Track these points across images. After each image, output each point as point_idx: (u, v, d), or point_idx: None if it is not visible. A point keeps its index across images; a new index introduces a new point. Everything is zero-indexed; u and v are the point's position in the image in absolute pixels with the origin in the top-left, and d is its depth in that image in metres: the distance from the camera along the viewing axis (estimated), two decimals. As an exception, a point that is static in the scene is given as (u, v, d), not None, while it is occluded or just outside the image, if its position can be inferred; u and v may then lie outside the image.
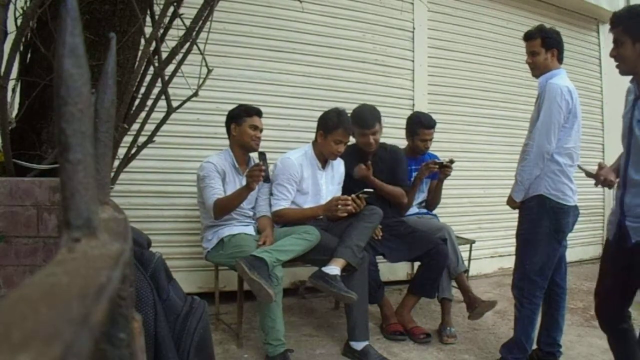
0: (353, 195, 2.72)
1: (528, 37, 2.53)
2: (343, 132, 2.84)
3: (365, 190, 2.74)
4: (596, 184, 2.12)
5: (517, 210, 2.56)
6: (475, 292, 3.15)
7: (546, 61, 2.48)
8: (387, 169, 3.10)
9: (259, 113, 2.82)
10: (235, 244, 2.64)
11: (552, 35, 2.49)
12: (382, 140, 3.08)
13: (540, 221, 2.41)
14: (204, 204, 2.73)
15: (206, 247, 2.81)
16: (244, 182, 2.76)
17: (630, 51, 1.93)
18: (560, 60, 2.51)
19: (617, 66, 2.02)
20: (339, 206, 2.69)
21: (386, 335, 2.95)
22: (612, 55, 2.02)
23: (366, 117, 2.96)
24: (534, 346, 2.62)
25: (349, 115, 2.93)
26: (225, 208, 2.66)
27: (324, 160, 2.99)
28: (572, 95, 2.37)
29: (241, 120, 2.77)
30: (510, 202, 2.51)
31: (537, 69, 2.50)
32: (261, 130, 2.81)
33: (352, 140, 3.06)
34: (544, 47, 2.47)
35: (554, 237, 2.43)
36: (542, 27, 2.54)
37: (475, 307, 3.01)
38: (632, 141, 2.00)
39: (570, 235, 2.56)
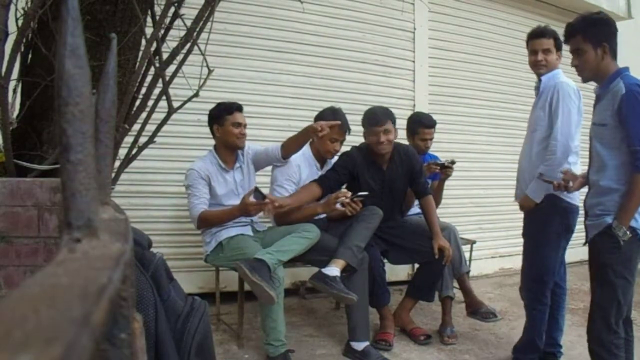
0: (348, 199, 2.63)
1: (542, 34, 2.49)
2: (338, 129, 2.82)
3: (361, 193, 2.68)
4: (554, 187, 2.22)
5: (518, 210, 2.56)
6: (476, 293, 3.15)
7: (555, 61, 2.49)
8: (405, 176, 2.93)
9: (239, 108, 2.75)
10: (235, 247, 2.64)
11: (560, 38, 2.50)
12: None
13: (552, 221, 2.39)
14: (189, 212, 2.73)
15: (205, 250, 2.81)
16: (228, 178, 2.76)
17: (593, 58, 2.00)
18: (560, 57, 2.54)
19: (580, 74, 2.09)
20: (338, 201, 2.65)
21: (373, 342, 2.77)
22: (573, 65, 2.08)
23: (376, 113, 2.80)
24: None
25: (344, 113, 2.92)
26: (211, 222, 2.67)
27: (322, 159, 2.99)
28: (579, 94, 2.41)
29: (222, 120, 2.72)
30: (527, 202, 2.43)
31: (546, 67, 2.49)
32: (245, 126, 2.76)
33: (355, 141, 3.05)
34: (555, 47, 2.48)
35: (564, 237, 2.43)
36: (551, 28, 2.54)
37: (477, 314, 3.00)
38: (592, 144, 2.09)
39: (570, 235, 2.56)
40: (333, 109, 2.91)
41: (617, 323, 1.98)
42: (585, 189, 2.21)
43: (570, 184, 2.17)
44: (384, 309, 2.91)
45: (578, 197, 2.42)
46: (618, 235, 1.92)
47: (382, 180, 2.89)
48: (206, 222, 2.68)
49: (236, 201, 2.76)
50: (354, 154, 2.88)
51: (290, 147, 2.74)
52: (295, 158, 2.87)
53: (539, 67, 2.51)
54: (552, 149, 2.36)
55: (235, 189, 2.79)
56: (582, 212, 2.22)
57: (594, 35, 2.00)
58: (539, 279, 2.44)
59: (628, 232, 1.92)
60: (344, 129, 2.86)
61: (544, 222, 2.41)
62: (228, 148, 2.78)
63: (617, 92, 1.93)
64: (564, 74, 2.49)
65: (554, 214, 2.39)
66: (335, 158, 2.99)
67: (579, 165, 2.43)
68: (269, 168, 2.98)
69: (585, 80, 2.12)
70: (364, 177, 2.86)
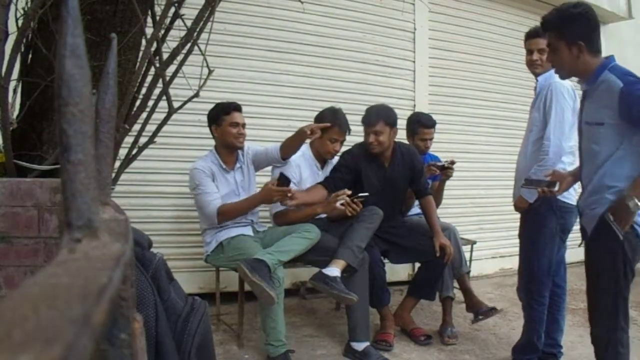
0: (348, 199, 2.64)
1: (537, 34, 2.47)
2: (338, 130, 2.82)
3: (361, 194, 2.69)
4: (539, 194, 2.19)
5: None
6: (476, 293, 3.15)
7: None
8: (406, 174, 2.94)
9: (237, 108, 2.74)
10: (235, 247, 2.63)
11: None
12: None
13: (547, 221, 2.39)
14: (202, 210, 2.72)
15: (205, 250, 2.81)
16: (229, 179, 2.75)
17: (567, 56, 1.88)
18: None
19: (556, 71, 2.03)
20: (338, 200, 2.65)
21: (373, 342, 2.76)
22: (549, 60, 2.02)
23: (370, 113, 2.83)
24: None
25: (344, 113, 2.92)
26: (231, 214, 2.65)
27: (322, 160, 2.98)
28: (574, 93, 2.39)
29: (220, 120, 2.71)
30: (521, 203, 2.44)
31: (542, 67, 2.49)
32: (244, 125, 2.75)
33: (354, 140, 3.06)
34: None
35: (559, 236, 2.43)
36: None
37: (479, 314, 2.99)
38: (582, 143, 2.00)
39: (571, 235, 2.56)
40: (333, 109, 2.92)
41: (625, 319, 1.94)
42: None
43: (556, 187, 2.11)
44: (384, 309, 2.91)
45: (574, 197, 2.42)
46: (628, 206, 1.77)
47: (383, 177, 2.90)
48: (226, 215, 2.65)
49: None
50: (356, 151, 2.91)
51: (287, 148, 2.74)
52: (295, 158, 2.87)
53: (534, 66, 2.52)
54: (544, 150, 2.36)
55: (236, 190, 2.79)
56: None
57: (568, 33, 1.86)
58: (536, 279, 2.44)
59: (639, 203, 1.77)
60: (344, 129, 2.86)
61: (539, 222, 2.41)
62: (227, 148, 2.77)
63: (611, 88, 1.78)
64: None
65: (549, 213, 2.39)
66: (336, 158, 2.99)
67: (575, 166, 2.42)
68: (269, 168, 2.98)
69: (562, 77, 2.07)
70: (366, 173, 2.87)
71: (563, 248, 2.57)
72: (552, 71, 2.45)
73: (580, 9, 1.88)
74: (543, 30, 1.99)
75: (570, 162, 2.40)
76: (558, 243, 2.44)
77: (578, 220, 2.38)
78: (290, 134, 2.80)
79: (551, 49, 1.95)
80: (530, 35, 2.53)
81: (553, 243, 2.42)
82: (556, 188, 2.11)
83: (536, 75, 2.54)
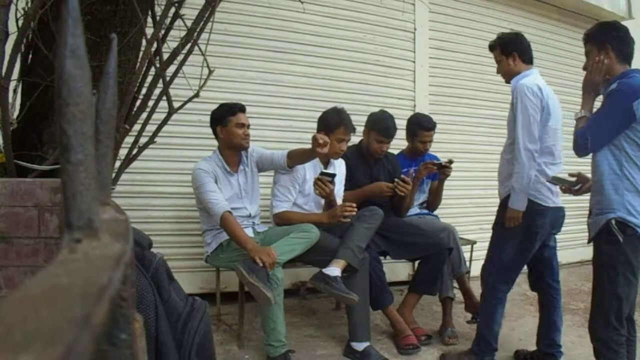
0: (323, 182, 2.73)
1: (490, 49, 2.60)
2: (344, 129, 2.82)
3: (325, 171, 2.77)
4: (562, 190, 2.30)
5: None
6: (476, 293, 3.14)
7: (509, 67, 2.50)
8: (388, 175, 3.13)
9: (242, 109, 2.73)
10: (235, 247, 2.62)
11: (507, 41, 2.51)
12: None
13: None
14: (204, 210, 2.69)
15: (206, 250, 2.80)
16: (233, 181, 2.75)
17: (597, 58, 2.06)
18: (526, 60, 2.49)
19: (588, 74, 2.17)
20: (345, 213, 2.67)
21: (401, 350, 2.77)
22: (583, 68, 2.14)
23: (390, 127, 3.00)
24: (533, 347, 2.62)
25: (348, 113, 2.93)
26: (228, 229, 2.59)
27: (325, 160, 2.98)
28: (542, 92, 2.33)
29: (226, 121, 2.69)
30: (513, 214, 2.39)
31: (506, 76, 2.55)
32: (248, 126, 2.74)
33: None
34: (503, 54, 2.51)
35: (526, 236, 2.41)
36: (500, 34, 2.58)
37: (478, 317, 3.00)
38: None
39: (571, 236, 2.56)
40: (337, 109, 2.91)
41: (618, 320, 1.97)
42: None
43: (577, 187, 2.21)
44: (391, 313, 2.89)
45: (551, 199, 2.40)
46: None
47: (370, 175, 3.11)
48: (226, 228, 2.59)
49: (240, 204, 2.75)
50: (348, 154, 3.03)
51: (296, 160, 2.73)
52: None
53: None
54: (515, 155, 2.36)
55: (239, 193, 2.78)
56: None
57: (597, 38, 2.08)
58: (495, 270, 2.48)
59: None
60: (351, 128, 2.87)
61: (503, 219, 2.45)
62: (232, 149, 2.75)
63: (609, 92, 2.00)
64: (536, 74, 2.46)
65: None
66: (339, 159, 3.00)
67: (560, 166, 2.42)
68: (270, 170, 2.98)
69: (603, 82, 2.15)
70: (357, 172, 3.09)
71: (551, 249, 2.58)
72: (523, 74, 2.45)
73: (612, 22, 2.17)
74: (583, 42, 2.14)
75: (549, 162, 2.38)
76: (525, 243, 2.41)
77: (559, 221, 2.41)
78: (291, 134, 2.80)
79: (586, 55, 2.13)
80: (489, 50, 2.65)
81: (519, 241, 2.41)
82: (577, 187, 2.23)
83: (506, 83, 2.60)
